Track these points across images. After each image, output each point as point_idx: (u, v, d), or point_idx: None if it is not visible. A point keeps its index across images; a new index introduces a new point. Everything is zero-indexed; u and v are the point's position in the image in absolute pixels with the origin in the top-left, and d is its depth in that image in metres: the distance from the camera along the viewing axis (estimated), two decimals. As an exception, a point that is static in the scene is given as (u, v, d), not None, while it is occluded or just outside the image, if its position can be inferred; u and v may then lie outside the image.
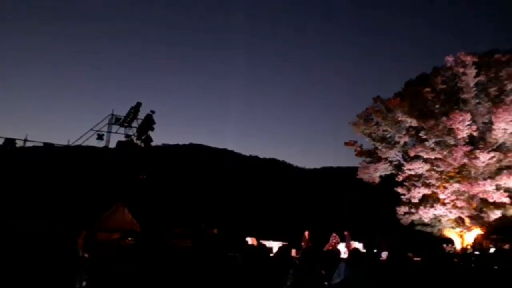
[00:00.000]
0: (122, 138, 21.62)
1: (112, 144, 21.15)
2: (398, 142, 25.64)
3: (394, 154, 25.94)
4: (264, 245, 8.36)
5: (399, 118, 24.81)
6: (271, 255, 7.40)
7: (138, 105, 21.59)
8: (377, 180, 26.57)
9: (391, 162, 26.10)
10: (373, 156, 26.80)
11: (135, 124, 21.85)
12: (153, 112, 21.32)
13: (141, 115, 21.69)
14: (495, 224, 22.02)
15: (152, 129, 21.31)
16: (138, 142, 21.43)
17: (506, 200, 21.29)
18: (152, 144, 21.81)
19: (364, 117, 26.54)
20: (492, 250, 18.41)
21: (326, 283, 4.97)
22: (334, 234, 19.97)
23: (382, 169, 26.19)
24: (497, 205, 21.81)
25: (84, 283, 6.68)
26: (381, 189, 27.62)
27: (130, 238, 14.91)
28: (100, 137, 20.71)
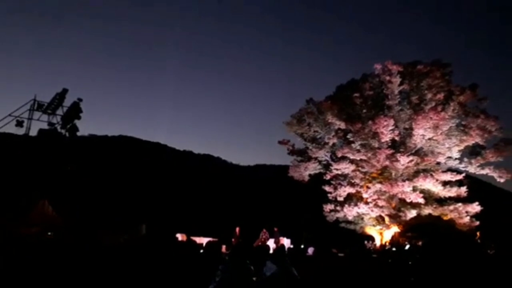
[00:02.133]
0: (45, 126, 20.09)
1: (33, 132, 19.58)
2: (327, 143, 26.65)
3: (323, 154, 26.95)
4: (193, 241, 8.26)
5: (329, 120, 25.75)
6: (201, 251, 7.34)
7: (64, 91, 20.16)
8: (306, 178, 27.44)
9: (320, 161, 27.09)
10: (304, 155, 27.62)
11: (60, 111, 20.41)
12: (80, 100, 20.05)
13: (67, 102, 20.31)
14: (411, 223, 23.74)
15: (79, 118, 20.07)
16: (63, 131, 20.06)
17: (421, 200, 23.08)
18: (78, 134, 20.55)
19: (297, 117, 27.22)
20: (407, 246, 19.81)
21: (254, 279, 5.03)
22: (264, 230, 20.32)
23: (312, 168, 27.09)
24: (414, 205, 23.57)
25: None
26: (310, 187, 28.54)
27: (50, 233, 13.97)
28: (19, 123, 19.06)
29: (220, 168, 70.89)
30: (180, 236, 16.71)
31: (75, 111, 19.93)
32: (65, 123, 20.05)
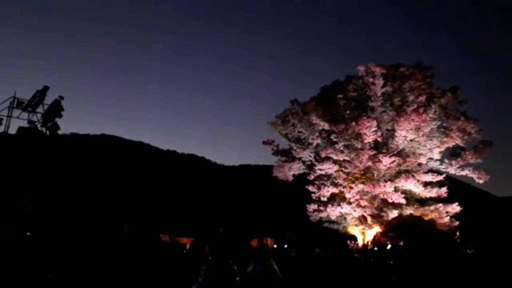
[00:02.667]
0: (25, 124, 19.61)
1: (13, 130, 19.09)
2: (311, 144, 26.79)
3: (307, 155, 27.07)
4: (177, 241, 8.21)
5: (313, 121, 25.90)
6: (185, 251, 7.30)
7: (45, 89, 19.70)
8: (290, 178, 27.54)
9: (304, 162, 27.21)
10: (288, 156, 27.70)
11: (40, 109, 19.95)
12: (61, 97, 19.60)
13: (48, 100, 19.85)
14: (393, 223, 24.05)
15: (60, 116, 19.62)
16: (43, 129, 19.62)
17: (403, 201, 23.42)
18: (60, 132, 20.11)
19: (282, 118, 27.28)
20: (389, 246, 20.08)
21: (238, 279, 5.02)
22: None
23: (296, 168, 27.20)
24: (395, 205, 23.89)
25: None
26: (294, 187, 28.65)
27: (29, 233, 13.66)
28: (-2, 121, 18.54)
29: (204, 168, 70.58)
30: (163, 237, 16.55)
31: (56, 109, 19.48)
32: (45, 121, 19.58)
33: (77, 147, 53.19)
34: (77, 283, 8.05)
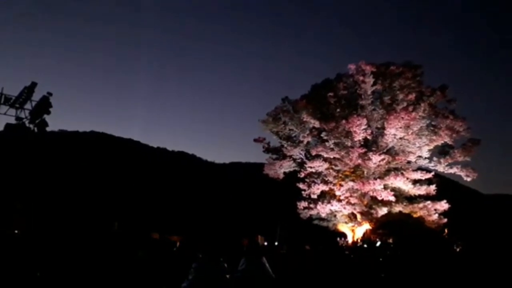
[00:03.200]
0: (12, 120, 19.34)
1: (0, 127, 18.81)
2: (302, 141, 26.83)
3: (298, 152, 27.13)
4: (167, 239, 8.18)
5: (304, 119, 25.94)
6: (175, 249, 7.27)
7: (33, 85, 19.42)
8: (281, 176, 27.58)
9: (294, 159, 27.27)
10: (279, 153, 27.72)
11: (28, 106, 19.67)
12: (50, 94, 19.33)
13: (36, 97, 19.59)
14: (382, 220, 24.24)
15: (48, 112, 19.35)
16: (31, 126, 19.35)
17: (392, 198, 23.61)
18: (48, 129, 19.86)
19: (273, 115, 27.26)
20: (378, 243, 20.25)
21: (228, 276, 5.01)
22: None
23: (287, 166, 27.24)
24: (385, 203, 24.08)
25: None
26: (284, 185, 28.70)
27: (16, 231, 13.50)
28: (-16, 118, 18.25)
29: (195, 165, 70.35)
30: (153, 235, 16.48)
31: (44, 105, 19.20)
32: (33, 118, 19.31)
33: (65, 144, 52.62)
34: (65, 281, 7.97)
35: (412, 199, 24.90)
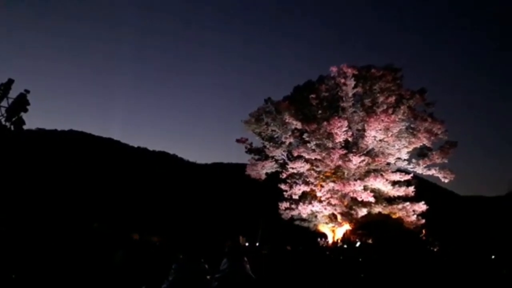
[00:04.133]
0: (-13, 118, 18.86)
1: (-26, 125, 18.30)
2: (284, 142, 26.95)
3: (280, 153, 27.23)
4: (147, 240, 8.10)
5: (287, 120, 26.05)
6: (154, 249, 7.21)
7: (10, 82, 18.90)
8: (263, 176, 27.65)
9: (276, 160, 27.37)
10: (261, 154, 27.78)
11: (4, 103, 19.20)
12: (27, 91, 18.88)
13: (13, 94, 19.15)
14: (362, 221, 24.54)
15: (26, 110, 18.88)
16: (7, 124, 18.89)
17: (372, 199, 23.91)
18: (25, 127, 19.41)
19: (255, 116, 27.31)
20: (358, 244, 20.50)
21: (208, 277, 5.00)
22: None
23: (269, 167, 27.32)
24: (364, 204, 24.38)
25: None
26: (266, 185, 28.76)
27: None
28: (-42, 115, 17.74)
29: (176, 166, 69.78)
30: (133, 235, 16.27)
31: (21, 103, 18.72)
32: (10, 115, 18.78)
33: (43, 142, 51.48)
34: (41, 283, 7.81)
35: (391, 200, 25.28)
